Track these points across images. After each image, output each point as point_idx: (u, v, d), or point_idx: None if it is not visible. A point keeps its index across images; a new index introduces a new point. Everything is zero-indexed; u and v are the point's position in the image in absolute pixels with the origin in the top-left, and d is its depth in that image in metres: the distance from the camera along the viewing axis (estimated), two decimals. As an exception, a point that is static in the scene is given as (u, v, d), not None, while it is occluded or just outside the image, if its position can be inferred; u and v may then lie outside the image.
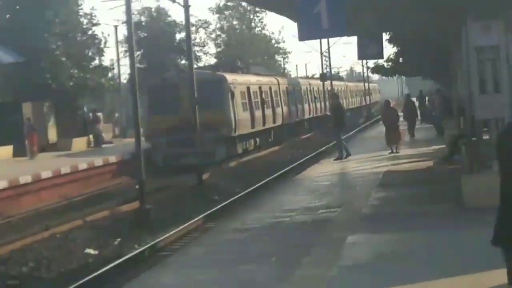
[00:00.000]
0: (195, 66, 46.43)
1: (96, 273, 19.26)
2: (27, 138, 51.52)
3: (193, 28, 67.42)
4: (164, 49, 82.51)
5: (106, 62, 71.22)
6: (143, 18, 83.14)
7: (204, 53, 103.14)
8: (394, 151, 37.56)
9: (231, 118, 41.19)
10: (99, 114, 64.58)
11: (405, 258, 14.07)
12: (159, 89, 51.00)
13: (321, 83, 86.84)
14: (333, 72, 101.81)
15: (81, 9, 64.52)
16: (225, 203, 29.94)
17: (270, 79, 69.03)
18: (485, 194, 16.18)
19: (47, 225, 27.31)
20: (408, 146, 42.02)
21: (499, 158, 9.06)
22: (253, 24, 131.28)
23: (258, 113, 58.70)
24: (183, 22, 41.80)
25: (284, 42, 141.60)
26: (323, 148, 53.20)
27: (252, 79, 62.05)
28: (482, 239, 11.52)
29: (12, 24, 58.02)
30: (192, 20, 55.75)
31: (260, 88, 61.34)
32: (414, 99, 57.22)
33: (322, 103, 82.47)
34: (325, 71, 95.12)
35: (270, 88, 64.90)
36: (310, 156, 48.66)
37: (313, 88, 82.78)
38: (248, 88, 58.08)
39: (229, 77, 54.34)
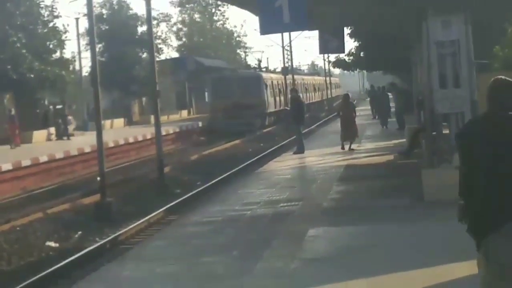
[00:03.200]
0: (156, 58, 46.79)
1: (56, 266, 19.25)
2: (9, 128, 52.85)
3: (154, 22, 67.23)
4: (126, 42, 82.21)
5: (67, 54, 71.01)
6: (104, 11, 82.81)
7: (166, 45, 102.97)
8: (347, 148, 36.67)
9: (265, 101, 47.39)
10: (58, 106, 64.40)
11: (365, 251, 14.08)
12: (219, 82, 77.16)
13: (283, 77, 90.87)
14: (294, 66, 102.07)
15: (42, 1, 64.15)
16: (186, 196, 29.92)
17: (278, 75, 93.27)
18: (444, 188, 16.28)
19: (7, 218, 27.27)
20: (368, 141, 42.11)
21: (461, 157, 8.67)
22: (215, 17, 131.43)
23: (277, 99, 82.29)
24: (145, 15, 41.65)
25: (246, 36, 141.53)
26: (284, 142, 53.22)
27: (272, 75, 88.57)
28: (441, 232, 11.63)
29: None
30: (154, 13, 55.67)
31: (277, 81, 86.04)
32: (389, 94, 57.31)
33: (282, 97, 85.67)
34: (286, 65, 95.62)
35: (278, 82, 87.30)
36: (271, 149, 48.70)
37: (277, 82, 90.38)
38: (271, 82, 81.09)
39: (263, 74, 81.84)
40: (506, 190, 8.22)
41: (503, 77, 10.55)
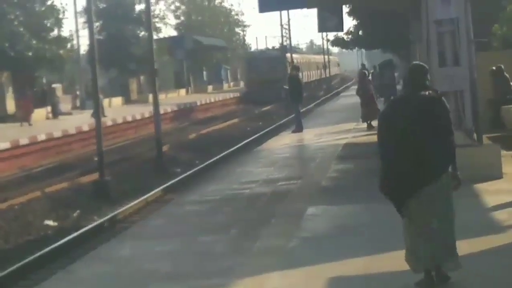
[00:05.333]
0: (154, 37, 46.73)
1: (54, 245, 19.27)
2: (25, 105, 53.65)
3: (152, 0, 67.16)
4: (123, 20, 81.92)
5: (65, 33, 70.57)
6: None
7: (164, 24, 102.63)
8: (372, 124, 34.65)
9: (300, 79, 47.27)
10: (54, 85, 64.35)
11: (363, 229, 14.12)
12: (251, 60, 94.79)
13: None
14: (293, 45, 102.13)
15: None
16: (185, 175, 29.96)
17: (300, 55, 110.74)
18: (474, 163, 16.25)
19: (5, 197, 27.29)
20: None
21: (378, 136, 10.80)
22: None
23: (304, 77, 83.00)
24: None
25: (243, 14, 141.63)
26: (282, 121, 53.18)
27: (295, 55, 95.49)
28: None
29: None
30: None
31: (297, 60, 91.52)
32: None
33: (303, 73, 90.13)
34: (285, 43, 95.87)
35: (298, 60, 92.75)
36: (270, 128, 48.69)
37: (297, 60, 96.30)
38: (301, 63, 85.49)
39: (296, 56, 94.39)
40: (413, 161, 10.19)
41: (418, 62, 12.11)
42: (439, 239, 10.38)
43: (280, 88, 63.68)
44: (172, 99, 77.01)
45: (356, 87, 45.61)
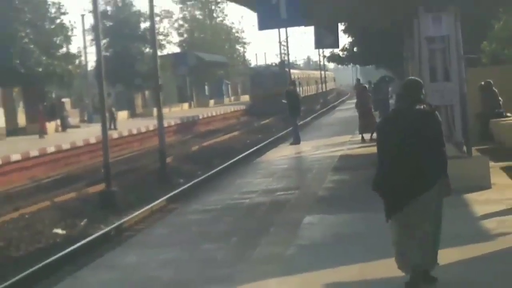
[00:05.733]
0: (159, 53, 46.80)
1: (61, 253, 19.26)
2: (40, 118, 53.92)
3: (157, 18, 66.90)
4: (129, 38, 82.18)
5: (73, 49, 71.06)
6: (109, 8, 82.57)
7: (167, 42, 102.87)
8: (369, 138, 34.62)
9: (297, 94, 48.47)
10: (63, 100, 64.52)
11: (358, 238, 14.17)
12: (256, 75, 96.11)
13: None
14: (291, 61, 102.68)
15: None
16: (187, 185, 29.96)
17: (299, 70, 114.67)
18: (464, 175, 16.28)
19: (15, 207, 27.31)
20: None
21: (377, 148, 11.24)
22: (214, 14, 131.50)
23: (301, 91, 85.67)
24: (148, 12, 41.64)
25: (243, 32, 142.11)
26: (281, 134, 53.22)
27: (293, 71, 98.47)
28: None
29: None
30: (156, 10, 55.39)
31: (298, 76, 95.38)
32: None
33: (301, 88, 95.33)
34: (283, 58, 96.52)
35: (298, 76, 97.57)
36: (269, 140, 48.72)
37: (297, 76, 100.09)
38: (298, 78, 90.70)
39: (294, 71, 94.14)
40: (405, 173, 10.44)
41: (414, 77, 12.34)
42: (430, 242, 10.66)
43: (281, 102, 62.78)
44: (175, 113, 77.17)
45: (353, 101, 45.99)
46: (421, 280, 10.69)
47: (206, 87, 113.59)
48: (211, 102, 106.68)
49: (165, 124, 39.99)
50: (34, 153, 40.21)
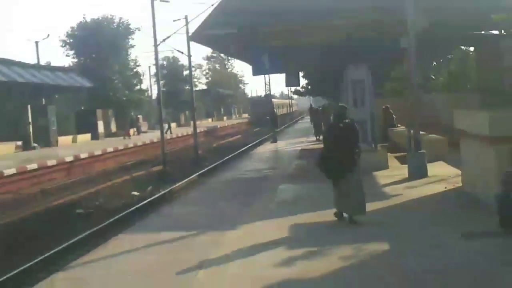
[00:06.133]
0: (194, 89, 46.77)
1: (136, 206, 19.37)
2: (126, 127, 53.38)
3: (192, 68, 66.92)
4: (177, 80, 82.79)
5: (143, 87, 71.18)
6: (165, 62, 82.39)
7: (199, 83, 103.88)
8: (319, 138, 34.28)
9: (275, 113, 45.82)
10: (138, 116, 64.60)
11: (311, 198, 14.23)
12: (255, 102, 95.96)
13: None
14: (273, 93, 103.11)
15: (129, 55, 64.35)
16: (210, 167, 29.95)
17: (277, 99, 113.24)
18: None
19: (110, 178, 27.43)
20: (311, 138, 42.10)
21: (324, 142, 11.90)
22: (226, 66, 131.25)
23: (278, 110, 77.38)
24: (187, 65, 41.60)
25: (243, 76, 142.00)
26: (266, 136, 53.33)
27: (274, 100, 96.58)
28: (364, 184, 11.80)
29: (93, 62, 58.07)
30: (192, 63, 55.55)
31: (276, 103, 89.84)
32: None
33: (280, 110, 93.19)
34: (267, 92, 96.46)
35: (278, 103, 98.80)
36: (258, 140, 48.72)
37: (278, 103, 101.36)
38: (276, 104, 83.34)
39: (273, 100, 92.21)
40: (340, 160, 11.08)
41: (343, 104, 12.80)
42: (354, 198, 11.14)
43: (269, 118, 62.61)
44: (203, 124, 76.77)
45: (308, 118, 46.05)
46: (344, 220, 11.33)
47: (222, 109, 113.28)
48: (225, 118, 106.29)
49: (198, 131, 39.92)
50: (120, 147, 40.21)
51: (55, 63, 59.12)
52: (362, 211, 11.22)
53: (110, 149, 38.10)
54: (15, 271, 11.93)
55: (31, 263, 12.52)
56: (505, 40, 21.76)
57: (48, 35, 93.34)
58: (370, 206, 11.87)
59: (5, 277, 11.59)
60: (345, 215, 11.29)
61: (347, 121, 11.23)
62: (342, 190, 11.25)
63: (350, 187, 11.17)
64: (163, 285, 8.27)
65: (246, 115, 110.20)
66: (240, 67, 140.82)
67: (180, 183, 24.41)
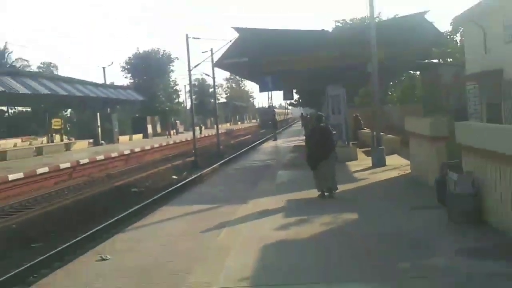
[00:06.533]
0: (217, 102, 46.76)
1: (175, 186, 19.35)
2: (167, 128, 54.20)
3: (216, 87, 67.09)
4: (204, 95, 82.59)
5: (180, 100, 71.34)
6: (196, 83, 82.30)
7: (220, 97, 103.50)
8: None
9: (276, 119, 46.52)
10: (178, 121, 64.65)
11: (301, 180, 14.12)
12: (262, 111, 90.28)
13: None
14: (274, 104, 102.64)
15: (170, 77, 64.68)
16: (228, 158, 29.84)
17: (277, 109, 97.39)
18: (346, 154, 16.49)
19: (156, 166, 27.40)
20: (303, 138, 41.94)
21: (306, 142, 11.88)
22: (240, 84, 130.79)
23: (278, 117, 73.26)
24: (212, 84, 41.68)
25: (253, 92, 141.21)
26: (269, 136, 53.24)
27: (276, 110, 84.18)
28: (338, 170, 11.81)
29: (144, 82, 58.43)
30: (216, 83, 55.38)
31: (276, 111, 76.13)
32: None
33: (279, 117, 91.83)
34: (270, 104, 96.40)
35: (278, 111, 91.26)
36: (263, 139, 48.65)
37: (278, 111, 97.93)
38: (276, 112, 70.97)
39: (275, 109, 78.98)
40: (318, 151, 11.15)
41: (320, 113, 13.09)
42: (329, 179, 11.21)
43: (272, 122, 62.28)
44: (223, 127, 76.37)
45: (299, 123, 45.92)
46: (324, 196, 11.24)
47: (237, 116, 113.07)
48: (239, 123, 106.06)
49: (219, 132, 39.92)
50: (163, 143, 40.16)
51: (117, 82, 58.96)
52: (335, 188, 11.31)
53: (156, 145, 38.12)
54: (88, 232, 12.01)
55: (100, 226, 12.60)
56: (442, 67, 21.76)
57: (112, 62, 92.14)
58: (344, 187, 11.90)
59: (82, 236, 11.68)
60: (326, 193, 11.32)
61: (322, 124, 11.47)
62: (321, 175, 11.29)
63: (327, 172, 11.22)
64: (196, 241, 8.32)
65: (254, 120, 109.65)
66: (250, 86, 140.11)
67: (206, 170, 24.32)
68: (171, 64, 62.96)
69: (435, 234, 7.52)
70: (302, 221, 8.99)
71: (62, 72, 63.89)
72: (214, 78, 37.12)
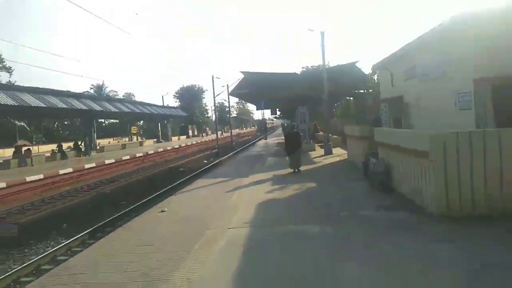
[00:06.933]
0: (231, 116, 46.39)
1: (206, 167, 19.12)
2: (201, 132, 53.43)
3: (231, 106, 67.49)
4: (223, 112, 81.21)
5: (208, 115, 70.59)
6: (218, 105, 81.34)
7: (232, 113, 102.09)
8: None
9: (267, 126, 47.70)
10: (207, 128, 64.21)
11: (282, 163, 13.89)
12: (258, 121, 73.34)
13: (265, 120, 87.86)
14: (266, 117, 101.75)
15: (203, 101, 64.37)
16: (238, 149, 29.41)
17: (268, 121, 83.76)
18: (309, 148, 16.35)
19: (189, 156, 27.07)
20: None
21: (285, 139, 11.59)
22: (245, 105, 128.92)
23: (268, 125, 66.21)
24: (227, 105, 41.65)
25: (253, 110, 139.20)
26: (262, 136, 52.83)
27: (267, 120, 73.98)
28: (309, 159, 11.73)
29: (187, 105, 58.01)
30: (230, 103, 55.67)
31: (267, 122, 71.59)
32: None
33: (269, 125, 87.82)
34: (263, 117, 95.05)
35: (269, 122, 79.04)
36: (258, 138, 48.30)
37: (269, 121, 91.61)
38: (267, 122, 66.20)
39: (266, 121, 67.51)
40: (291, 146, 10.91)
41: (293, 122, 12.73)
42: (297, 162, 10.91)
43: (266, 129, 58.23)
44: (235, 131, 75.83)
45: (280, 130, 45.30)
46: (295, 171, 10.93)
47: (243, 125, 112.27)
48: (244, 129, 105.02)
49: (232, 134, 39.74)
50: (198, 141, 39.91)
51: (170, 104, 58.50)
52: (299, 167, 11.11)
53: (194, 142, 37.94)
54: (153, 195, 11.96)
55: (160, 191, 12.55)
56: (366, 95, 21.63)
57: (167, 92, 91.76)
58: (307, 167, 11.79)
59: (149, 197, 11.62)
60: (295, 170, 11.23)
61: (295, 130, 11.43)
62: (293, 159, 11.11)
63: (295, 158, 11.07)
64: (220, 196, 8.32)
65: (253, 127, 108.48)
66: (251, 106, 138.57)
67: (224, 157, 23.94)
68: (203, 94, 63.37)
69: (362, 196, 7.51)
70: (282, 187, 8.90)
71: (138, 98, 63.42)
72: (229, 102, 36.96)
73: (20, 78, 59.85)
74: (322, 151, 17.11)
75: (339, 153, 16.10)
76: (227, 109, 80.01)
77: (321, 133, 25.59)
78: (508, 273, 3.66)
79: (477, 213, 5.29)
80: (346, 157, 13.92)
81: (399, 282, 3.72)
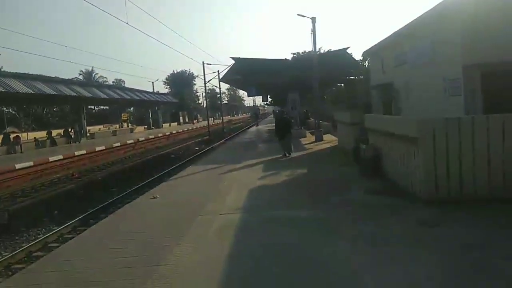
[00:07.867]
0: (222, 103, 46.02)
1: (198, 153, 19.05)
2: (192, 119, 52.75)
3: (222, 92, 66.41)
4: (214, 99, 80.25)
5: (199, 101, 69.75)
6: (209, 91, 79.53)
7: (223, 100, 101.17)
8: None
9: (259, 113, 47.30)
10: (198, 114, 63.66)
11: (273, 149, 13.84)
12: (250, 108, 75.12)
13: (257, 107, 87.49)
14: (258, 104, 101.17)
15: (194, 87, 63.51)
16: (230, 136, 29.36)
17: (261, 107, 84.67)
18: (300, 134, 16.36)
19: (185, 142, 26.86)
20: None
21: (275, 124, 11.69)
22: (236, 92, 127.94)
23: (260, 112, 65.59)
24: (219, 92, 41.17)
25: (244, 96, 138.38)
26: (254, 123, 52.67)
27: (259, 107, 77.69)
28: (300, 143, 11.67)
29: (178, 91, 57.35)
30: (220, 91, 54.60)
31: (260, 109, 73.22)
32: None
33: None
34: (255, 104, 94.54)
35: (261, 108, 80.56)
36: (251, 124, 48.14)
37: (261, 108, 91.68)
38: (259, 109, 68.32)
39: (258, 107, 74.39)
40: (282, 131, 11.15)
41: (283, 109, 12.85)
42: (288, 147, 11.21)
43: (258, 115, 58.20)
44: (226, 118, 75.41)
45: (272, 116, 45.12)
46: (286, 156, 11.12)
47: (234, 111, 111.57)
48: (235, 116, 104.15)
49: (225, 120, 39.37)
50: (189, 128, 39.55)
51: (161, 91, 57.68)
52: (291, 151, 11.28)
53: (185, 129, 37.60)
54: (145, 182, 11.86)
55: (152, 178, 12.46)
56: (357, 81, 21.57)
57: (158, 79, 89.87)
58: (298, 153, 11.80)
59: (141, 184, 11.53)
60: (286, 154, 11.25)
61: (285, 116, 11.41)
62: (284, 144, 11.26)
63: (286, 143, 11.23)
64: (213, 180, 8.24)
65: (245, 114, 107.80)
66: (242, 92, 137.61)
67: (215, 144, 23.92)
68: (194, 80, 62.37)
69: (352, 181, 7.57)
70: (274, 174, 8.88)
71: (127, 84, 62.44)
72: (220, 88, 36.64)
73: (7, 65, 58.20)
74: (313, 138, 17.11)
75: (330, 140, 16.13)
76: (218, 95, 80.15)
77: (311, 119, 25.64)
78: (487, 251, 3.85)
79: (465, 198, 5.36)
80: (337, 144, 13.94)
81: (384, 255, 3.95)
